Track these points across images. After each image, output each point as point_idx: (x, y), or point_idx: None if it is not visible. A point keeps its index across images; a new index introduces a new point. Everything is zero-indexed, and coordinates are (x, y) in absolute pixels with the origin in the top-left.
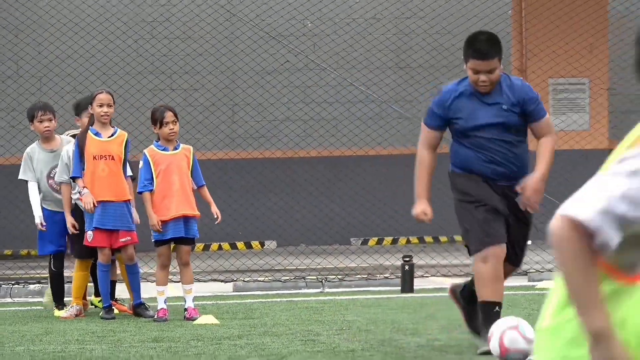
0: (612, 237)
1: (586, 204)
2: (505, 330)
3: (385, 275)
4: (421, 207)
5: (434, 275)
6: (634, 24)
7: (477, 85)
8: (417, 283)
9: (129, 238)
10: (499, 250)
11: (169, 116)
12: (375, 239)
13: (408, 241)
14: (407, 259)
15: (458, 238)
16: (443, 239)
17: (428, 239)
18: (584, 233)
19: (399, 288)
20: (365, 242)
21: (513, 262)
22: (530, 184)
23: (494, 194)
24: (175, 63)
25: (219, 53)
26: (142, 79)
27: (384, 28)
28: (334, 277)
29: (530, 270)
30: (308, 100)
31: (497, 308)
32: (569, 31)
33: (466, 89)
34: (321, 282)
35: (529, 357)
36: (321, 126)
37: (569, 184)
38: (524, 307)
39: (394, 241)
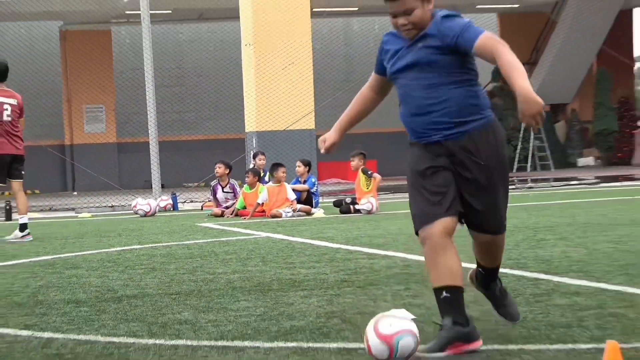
0: None
1: None
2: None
3: None
4: (325, 135)
5: None
6: None
7: (400, 31)
8: None
9: None
10: (433, 229)
11: None
12: None
13: None
14: None
15: None
16: None
17: None
18: None
19: None
20: None
21: (484, 230)
22: (520, 106)
23: (435, 161)
24: None
25: None
26: None
27: None
28: None
29: None
30: None
31: (444, 293)
32: None
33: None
34: None
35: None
36: None
37: None
38: None
39: None
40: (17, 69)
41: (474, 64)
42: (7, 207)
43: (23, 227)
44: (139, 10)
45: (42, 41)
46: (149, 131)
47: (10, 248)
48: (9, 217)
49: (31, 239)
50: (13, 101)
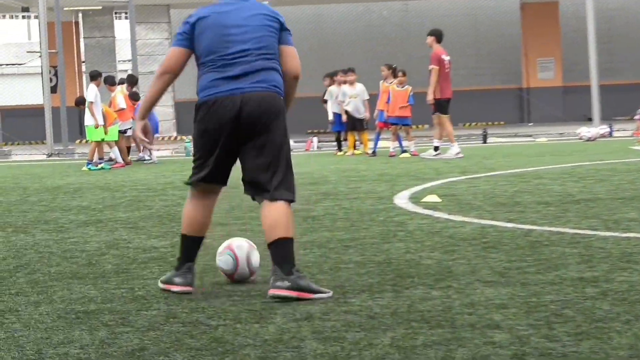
0: None
1: None
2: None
3: None
4: None
5: None
6: None
7: None
8: None
9: None
10: None
11: None
12: None
13: None
14: None
15: None
16: None
17: None
18: None
19: None
20: None
21: None
22: None
23: None
24: None
25: None
26: None
27: None
28: None
29: None
30: None
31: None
32: None
33: None
34: None
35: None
36: None
37: None
38: None
39: None
40: (487, 32)
41: (199, 58)
42: (484, 134)
43: (436, 148)
44: None
45: (506, 13)
46: (591, 77)
47: (488, 164)
48: (485, 141)
49: (444, 157)
50: (449, 57)
